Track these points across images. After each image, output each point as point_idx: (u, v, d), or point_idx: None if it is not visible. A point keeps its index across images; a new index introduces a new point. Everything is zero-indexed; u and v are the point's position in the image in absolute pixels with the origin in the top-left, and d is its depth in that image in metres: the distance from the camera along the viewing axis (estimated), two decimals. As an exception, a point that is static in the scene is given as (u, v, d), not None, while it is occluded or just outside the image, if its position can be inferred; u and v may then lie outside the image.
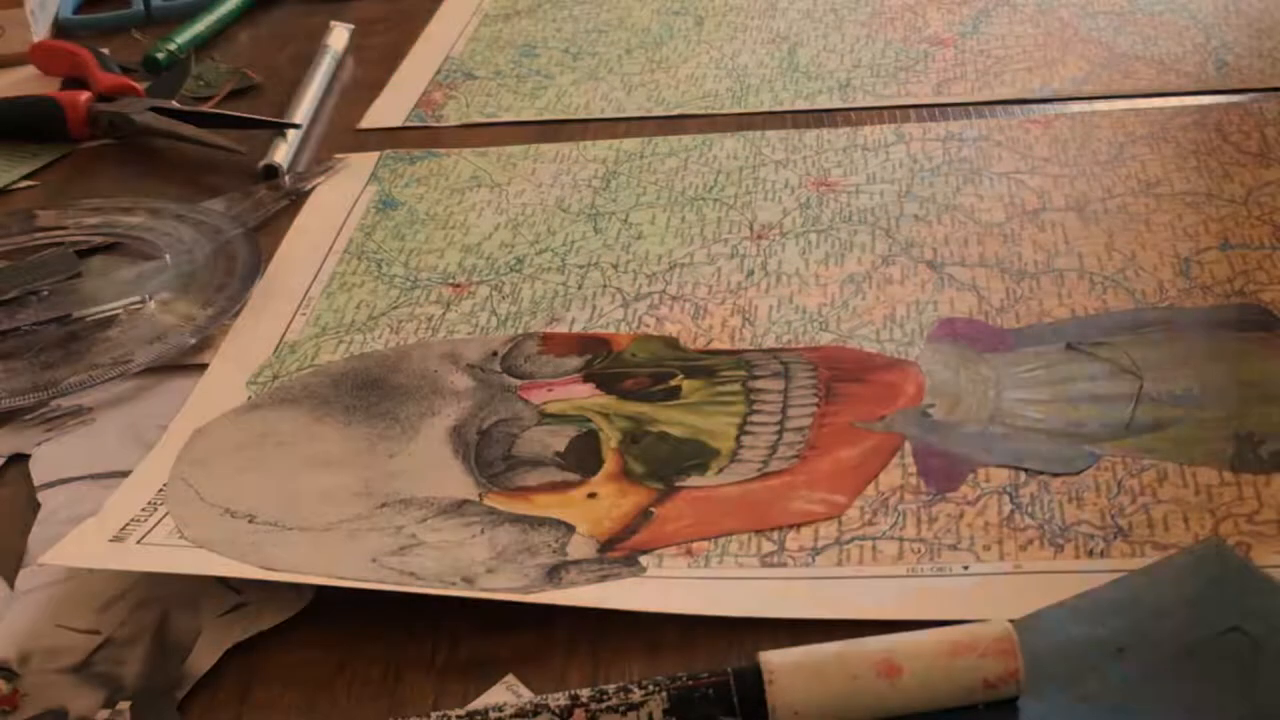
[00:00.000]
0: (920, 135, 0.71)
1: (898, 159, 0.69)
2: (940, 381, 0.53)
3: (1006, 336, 0.55)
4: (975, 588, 0.44)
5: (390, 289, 0.63)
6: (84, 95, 0.82)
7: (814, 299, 0.59)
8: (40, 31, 0.95)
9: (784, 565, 0.46)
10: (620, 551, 0.47)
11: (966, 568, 0.45)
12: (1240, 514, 0.46)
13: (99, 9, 1.01)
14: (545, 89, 0.82)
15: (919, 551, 0.45)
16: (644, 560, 0.46)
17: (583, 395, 0.55)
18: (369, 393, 0.56)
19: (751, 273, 0.61)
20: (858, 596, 0.44)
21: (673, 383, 0.55)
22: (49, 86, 0.88)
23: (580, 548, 0.47)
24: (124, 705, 0.44)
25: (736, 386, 0.54)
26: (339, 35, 0.90)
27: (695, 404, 0.53)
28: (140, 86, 0.84)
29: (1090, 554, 0.45)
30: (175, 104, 0.82)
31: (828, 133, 0.72)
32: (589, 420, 0.53)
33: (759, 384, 0.54)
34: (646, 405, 0.54)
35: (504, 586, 0.45)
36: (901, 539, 0.46)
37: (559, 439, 0.52)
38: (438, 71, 0.86)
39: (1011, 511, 0.47)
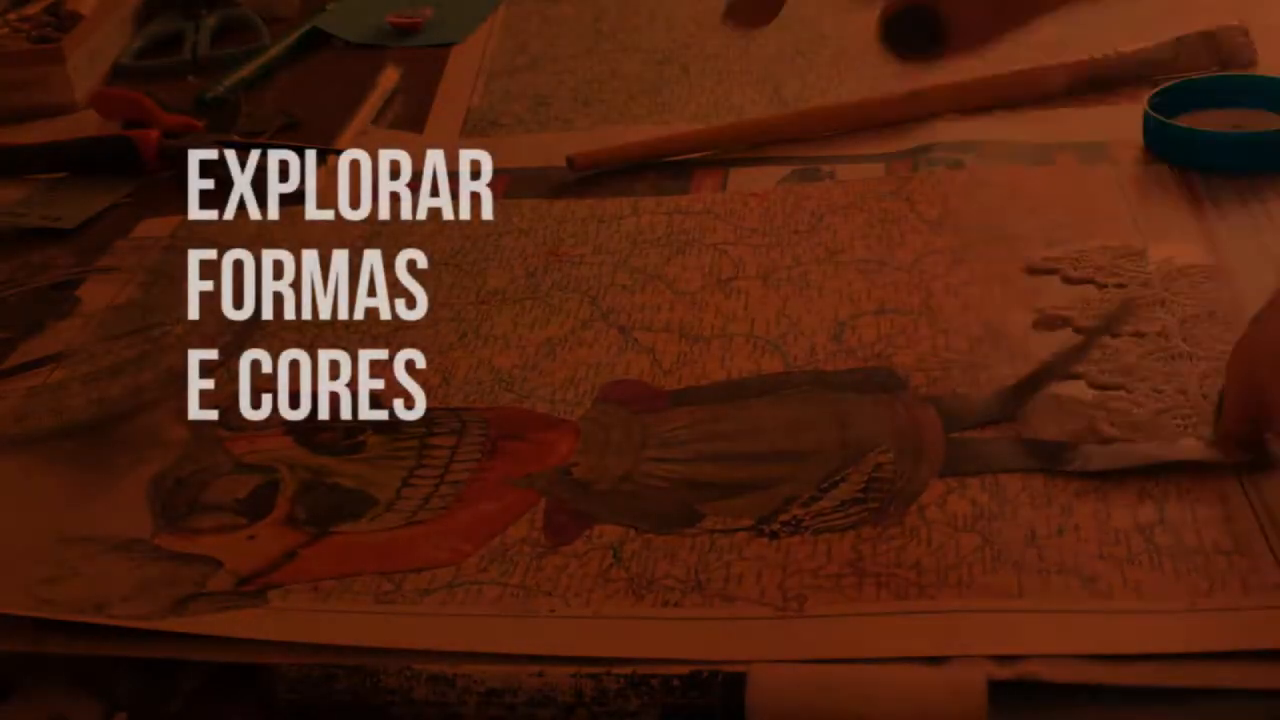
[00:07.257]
0: (652, 209, 0.77)
1: (626, 231, 0.75)
2: (592, 441, 0.59)
3: (662, 397, 0.61)
4: (546, 625, 0.49)
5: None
6: (154, 132, 0.91)
7: (509, 360, 0.65)
8: (90, 84, 1.02)
9: (394, 603, 0.51)
10: (254, 586, 0.52)
11: (553, 611, 0.50)
12: (808, 569, 0.51)
13: (150, 57, 1.09)
14: (570, 132, 0.88)
15: (516, 596, 0.51)
16: (270, 595, 0.52)
17: (278, 448, 0.61)
18: (86, 440, 0.62)
19: (464, 335, 0.67)
20: (450, 632, 0.49)
21: (360, 438, 0.61)
22: (107, 130, 0.95)
23: (219, 582, 0.53)
24: (120, 718, 0.48)
25: (414, 442, 0.60)
26: (389, 76, 0.98)
27: (372, 458, 0.59)
28: (199, 124, 0.93)
29: (665, 604, 0.50)
30: (235, 137, 0.90)
31: (573, 204, 0.78)
32: (276, 470, 0.59)
33: (434, 440, 0.60)
34: (332, 458, 0.60)
35: (128, 614, 0.51)
36: (504, 584, 0.51)
37: (243, 487, 0.58)
38: (464, 122, 0.92)
39: (610, 565, 0.52)
